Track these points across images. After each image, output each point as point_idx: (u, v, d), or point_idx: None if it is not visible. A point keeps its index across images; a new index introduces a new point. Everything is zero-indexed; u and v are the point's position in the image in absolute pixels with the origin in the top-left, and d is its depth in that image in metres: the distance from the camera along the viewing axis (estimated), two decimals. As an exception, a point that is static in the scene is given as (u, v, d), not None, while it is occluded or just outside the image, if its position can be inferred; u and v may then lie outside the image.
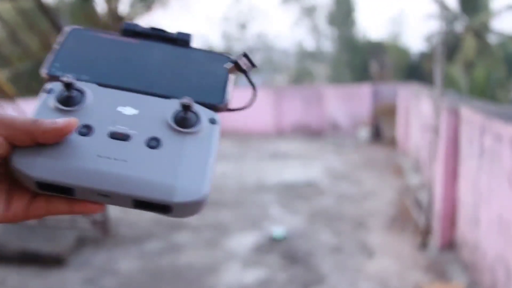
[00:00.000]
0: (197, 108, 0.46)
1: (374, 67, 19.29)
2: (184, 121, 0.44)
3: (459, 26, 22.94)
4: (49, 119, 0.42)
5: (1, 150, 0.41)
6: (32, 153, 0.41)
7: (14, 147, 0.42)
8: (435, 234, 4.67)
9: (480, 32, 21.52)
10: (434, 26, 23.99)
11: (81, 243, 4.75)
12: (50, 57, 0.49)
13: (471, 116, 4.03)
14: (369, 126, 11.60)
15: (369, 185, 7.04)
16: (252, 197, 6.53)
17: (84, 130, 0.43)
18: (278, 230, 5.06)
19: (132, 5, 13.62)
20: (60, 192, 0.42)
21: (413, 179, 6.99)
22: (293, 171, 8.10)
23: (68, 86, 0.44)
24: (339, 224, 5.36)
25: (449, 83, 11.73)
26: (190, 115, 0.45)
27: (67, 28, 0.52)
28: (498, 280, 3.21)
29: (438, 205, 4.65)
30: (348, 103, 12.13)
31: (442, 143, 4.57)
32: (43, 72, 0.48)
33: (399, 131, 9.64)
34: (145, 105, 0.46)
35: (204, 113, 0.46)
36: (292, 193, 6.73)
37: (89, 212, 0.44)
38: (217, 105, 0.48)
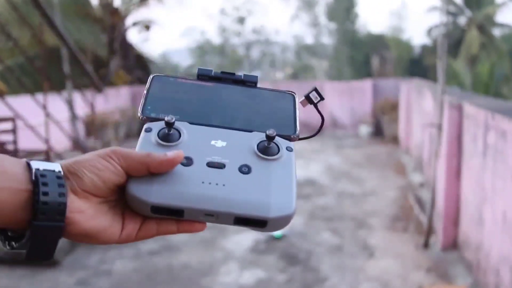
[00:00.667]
0: (277, 138, 0.54)
1: (375, 62, 19.17)
2: (267, 150, 0.53)
3: (462, 20, 22.81)
4: (160, 153, 0.49)
5: (122, 178, 0.49)
6: (146, 182, 0.49)
7: (130, 177, 0.49)
8: (437, 233, 4.58)
9: (484, 25, 21.40)
10: (436, 19, 23.87)
11: (75, 243, 4.66)
12: (141, 102, 0.57)
13: (475, 112, 3.93)
14: (370, 123, 11.49)
15: (370, 184, 6.94)
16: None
17: (186, 162, 0.51)
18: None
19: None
20: (171, 214, 0.49)
21: (415, 177, 6.89)
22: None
23: (170, 125, 0.52)
24: (340, 224, 5.26)
25: (452, 78, 11.62)
26: (272, 144, 0.53)
27: (150, 76, 0.60)
28: (502, 280, 3.12)
29: (440, 204, 4.56)
30: (348, 99, 12.03)
31: (445, 140, 4.47)
32: (139, 115, 0.56)
33: (401, 128, 9.54)
34: (232, 138, 0.54)
35: (282, 142, 0.55)
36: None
37: (194, 231, 0.51)
38: (291, 136, 0.57)
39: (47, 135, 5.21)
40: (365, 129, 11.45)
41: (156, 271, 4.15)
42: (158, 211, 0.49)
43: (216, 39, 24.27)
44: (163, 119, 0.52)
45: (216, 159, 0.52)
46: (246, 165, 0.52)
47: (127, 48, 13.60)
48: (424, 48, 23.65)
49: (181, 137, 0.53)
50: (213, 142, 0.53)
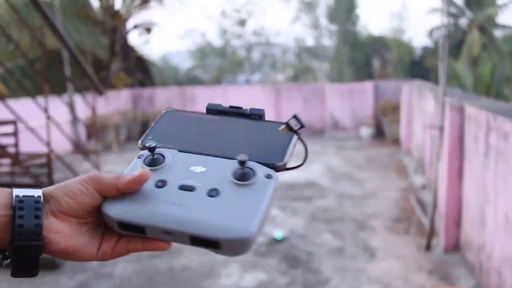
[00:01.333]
0: (254, 165, 0.56)
1: (376, 63, 19.15)
2: (242, 176, 0.55)
3: (463, 21, 22.79)
4: (128, 174, 0.54)
5: (97, 201, 0.54)
6: (117, 201, 0.54)
7: (105, 198, 0.54)
8: (439, 235, 4.56)
9: (486, 26, 21.38)
10: (437, 20, 23.85)
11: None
12: (145, 133, 0.63)
13: (476, 114, 3.92)
14: (371, 125, 11.48)
15: (371, 185, 6.93)
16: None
17: (159, 184, 0.55)
18: (278, 232, 4.95)
19: (127, 2, 13.52)
20: (135, 231, 0.53)
21: (417, 179, 6.88)
22: (293, 171, 7.99)
23: (151, 150, 0.57)
24: (341, 225, 5.25)
25: (454, 80, 11.60)
26: (247, 170, 0.55)
27: (162, 111, 0.66)
28: (505, 282, 3.10)
29: (442, 206, 4.54)
30: (349, 101, 12.01)
31: (447, 142, 4.45)
32: (139, 144, 0.61)
33: (402, 130, 9.53)
34: (213, 164, 0.57)
35: (261, 169, 0.56)
36: (292, 193, 6.62)
37: (158, 249, 0.55)
38: (276, 165, 0.58)
39: (48, 138, 5.21)
40: (366, 131, 11.43)
41: (157, 273, 4.14)
42: (124, 227, 0.54)
43: (216, 41, 24.27)
44: (148, 146, 0.58)
45: (189, 182, 0.55)
46: (215, 189, 0.55)
47: (127, 51, 13.61)
48: (425, 49, 23.64)
49: (164, 162, 0.58)
50: (192, 168, 0.57)
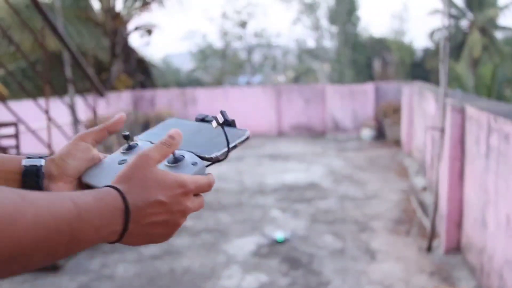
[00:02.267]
0: (187, 155, 0.70)
1: (377, 65, 19.15)
2: (172, 160, 0.69)
3: (464, 22, 22.78)
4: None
5: (91, 155, 0.72)
6: (90, 170, 0.72)
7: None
8: (440, 237, 4.55)
9: (486, 28, 21.37)
10: (438, 22, 23.84)
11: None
12: (146, 131, 0.80)
13: (477, 115, 3.92)
14: (372, 126, 11.47)
15: (372, 187, 6.92)
16: (252, 199, 6.42)
17: (122, 162, 0.71)
18: (279, 233, 4.95)
19: (128, 3, 13.53)
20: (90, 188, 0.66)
21: (418, 181, 6.87)
22: (294, 173, 7.99)
23: (125, 138, 0.73)
24: (342, 227, 5.24)
25: (455, 81, 11.59)
26: (178, 156, 0.69)
27: (167, 118, 0.82)
28: (506, 284, 3.10)
29: (443, 207, 4.54)
30: (350, 103, 12.01)
31: (447, 143, 4.45)
32: (124, 134, 0.75)
33: (403, 131, 9.52)
34: None
35: (190, 158, 0.70)
36: (293, 195, 6.62)
37: None
38: (204, 157, 0.71)
39: (49, 139, 5.21)
40: (367, 132, 11.43)
41: (158, 275, 4.14)
42: (88, 187, 0.68)
43: (217, 43, 24.27)
44: (123, 134, 0.74)
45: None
46: None
47: (128, 52, 13.62)
48: (426, 51, 23.63)
49: (135, 149, 0.74)
50: None
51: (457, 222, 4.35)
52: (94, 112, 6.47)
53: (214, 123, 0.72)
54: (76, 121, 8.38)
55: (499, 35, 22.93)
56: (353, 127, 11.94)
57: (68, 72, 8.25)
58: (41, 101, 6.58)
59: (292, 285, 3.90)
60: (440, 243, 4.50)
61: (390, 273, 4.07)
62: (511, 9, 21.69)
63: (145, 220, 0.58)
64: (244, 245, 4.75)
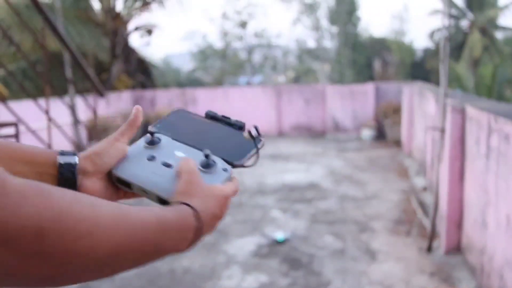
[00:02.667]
0: (218, 160, 0.74)
1: (377, 65, 19.15)
2: (205, 165, 0.73)
3: (465, 23, 22.77)
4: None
5: (123, 153, 0.75)
6: (120, 164, 0.74)
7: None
8: (441, 237, 4.55)
9: (487, 28, 21.37)
10: (438, 22, 23.84)
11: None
12: (158, 121, 0.82)
13: (478, 116, 3.91)
14: (373, 126, 11.47)
15: (372, 187, 6.92)
16: (252, 199, 6.42)
17: (150, 157, 0.75)
18: (279, 233, 4.95)
19: (129, 4, 13.52)
20: (125, 186, 0.73)
21: (418, 181, 6.87)
22: (295, 173, 7.99)
23: (151, 134, 0.77)
24: (342, 227, 5.24)
25: (455, 81, 11.59)
26: (210, 162, 0.73)
27: (174, 109, 0.85)
28: (506, 285, 3.10)
29: (443, 208, 4.54)
30: (350, 103, 12.01)
31: (448, 143, 4.45)
32: (149, 129, 0.79)
33: (404, 131, 9.52)
34: (190, 153, 0.76)
35: (221, 163, 0.74)
36: (293, 195, 6.62)
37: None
38: (234, 163, 0.75)
39: (49, 139, 5.21)
40: (367, 133, 11.42)
41: (158, 275, 4.13)
42: (119, 182, 0.73)
43: (217, 43, 24.27)
44: (149, 130, 0.78)
45: (169, 161, 0.74)
46: None
47: (129, 53, 13.61)
48: (427, 51, 23.62)
49: (159, 144, 0.77)
50: (176, 152, 0.76)
51: (457, 223, 4.35)
52: (94, 112, 6.47)
53: (246, 135, 0.77)
54: (76, 121, 8.38)
55: (499, 35, 22.93)
56: (353, 127, 11.94)
57: (68, 72, 8.25)
58: (41, 101, 6.58)
59: (292, 286, 3.90)
60: (440, 244, 4.50)
61: (390, 273, 4.07)
62: (511, 9, 21.68)
63: (206, 228, 0.66)
64: (244, 245, 4.75)
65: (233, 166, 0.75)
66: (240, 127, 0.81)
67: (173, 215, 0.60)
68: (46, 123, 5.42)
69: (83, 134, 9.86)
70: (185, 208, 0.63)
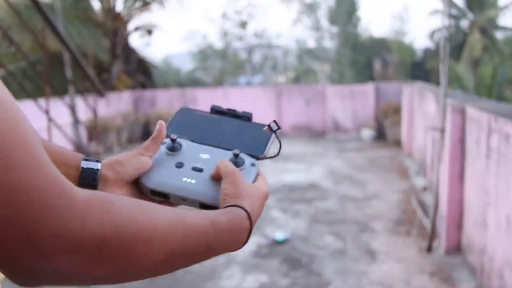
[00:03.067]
0: (244, 156, 0.76)
1: (377, 65, 19.16)
2: (235, 163, 0.73)
3: (465, 23, 22.77)
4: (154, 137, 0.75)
5: (145, 166, 0.74)
6: (149, 175, 0.74)
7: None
8: (441, 237, 4.55)
9: (487, 28, 21.36)
10: (439, 22, 23.83)
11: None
12: (167, 124, 0.80)
13: (478, 116, 3.91)
14: (373, 127, 11.47)
15: (373, 187, 6.92)
16: (253, 199, 6.42)
17: (178, 165, 0.75)
18: (280, 233, 4.95)
19: (129, 4, 13.52)
20: (162, 197, 0.73)
21: (418, 181, 6.87)
22: (295, 173, 7.99)
23: (173, 140, 0.77)
24: (342, 227, 5.24)
25: (455, 81, 11.59)
26: (239, 160, 0.74)
27: (179, 108, 0.86)
28: (507, 285, 3.10)
29: (444, 208, 4.54)
30: (351, 103, 12.01)
31: (448, 144, 4.45)
32: (170, 136, 0.78)
33: (404, 132, 9.52)
34: (214, 153, 0.77)
35: (248, 159, 0.76)
36: (293, 195, 6.62)
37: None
38: (258, 156, 0.78)
39: (49, 139, 5.21)
40: (367, 133, 11.42)
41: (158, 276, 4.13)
42: (154, 193, 0.73)
43: (218, 43, 24.27)
44: (170, 137, 0.77)
45: (199, 165, 0.75)
46: None
47: (129, 53, 13.61)
48: (427, 51, 23.63)
49: (181, 149, 0.77)
50: (201, 155, 0.77)
51: (458, 223, 4.35)
52: (95, 113, 6.47)
53: (266, 129, 0.78)
54: (76, 122, 8.38)
55: (499, 35, 22.93)
56: (354, 128, 11.94)
57: (69, 72, 8.25)
58: (42, 101, 6.58)
59: (293, 286, 3.90)
60: (441, 244, 4.50)
61: (391, 273, 4.07)
62: (511, 9, 21.68)
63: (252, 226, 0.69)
64: (244, 246, 4.75)
65: (258, 159, 0.77)
66: (248, 118, 0.82)
67: (227, 218, 0.63)
68: (46, 123, 5.42)
69: (83, 134, 9.85)
70: (239, 210, 0.66)
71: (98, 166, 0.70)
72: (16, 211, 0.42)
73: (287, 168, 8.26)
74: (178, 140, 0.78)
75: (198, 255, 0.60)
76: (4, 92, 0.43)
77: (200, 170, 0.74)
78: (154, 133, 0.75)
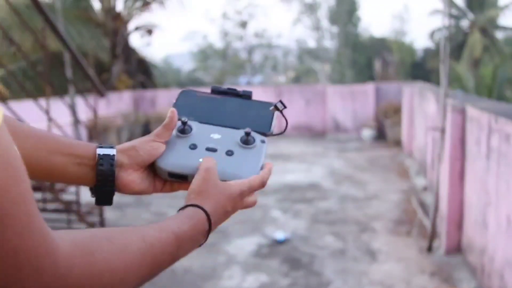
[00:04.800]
0: (254, 134, 0.78)
1: (377, 65, 19.15)
2: (246, 141, 0.77)
3: (465, 23, 22.76)
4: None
5: (159, 151, 0.76)
6: (165, 158, 0.76)
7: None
8: (441, 237, 4.55)
9: (487, 28, 21.36)
10: (439, 22, 23.81)
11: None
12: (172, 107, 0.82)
13: (478, 116, 3.91)
14: (373, 127, 11.47)
15: (373, 187, 6.92)
16: (253, 199, 6.42)
17: (192, 146, 0.77)
18: (280, 233, 4.95)
19: (129, 4, 13.53)
20: (180, 178, 0.75)
21: (419, 181, 6.87)
22: (295, 173, 7.99)
23: (184, 123, 0.78)
24: (343, 227, 5.24)
25: (455, 81, 11.58)
26: (250, 138, 0.77)
27: (180, 91, 0.87)
28: (507, 285, 3.10)
29: (444, 208, 4.54)
30: (351, 103, 12.01)
31: (448, 144, 4.45)
32: (181, 118, 0.80)
33: (404, 132, 9.52)
34: (225, 133, 0.79)
35: (258, 137, 0.78)
36: (294, 195, 6.62)
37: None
38: (266, 133, 0.80)
39: (49, 139, 5.20)
40: (368, 133, 11.42)
41: (158, 275, 4.13)
42: (172, 176, 0.75)
43: (218, 43, 24.27)
44: (181, 119, 0.79)
45: (212, 146, 0.77)
46: (230, 150, 0.77)
47: (129, 53, 13.61)
48: (427, 51, 23.62)
49: (192, 131, 0.79)
50: (212, 135, 0.79)
51: (458, 223, 4.35)
52: (95, 112, 6.46)
53: (273, 109, 0.80)
54: (76, 121, 8.38)
55: (499, 35, 22.93)
56: (354, 128, 11.94)
57: (69, 72, 8.25)
58: (42, 101, 6.58)
59: (293, 286, 3.89)
60: (441, 244, 4.50)
61: (391, 273, 4.07)
62: (511, 9, 21.68)
63: (214, 226, 0.71)
64: (244, 246, 4.75)
65: (265, 135, 0.80)
66: (249, 96, 0.84)
67: (188, 227, 0.65)
68: (47, 123, 5.42)
69: (83, 134, 9.86)
70: (198, 212, 0.67)
71: (113, 152, 0.73)
72: (3, 275, 0.42)
73: (287, 168, 8.26)
74: (188, 122, 0.80)
75: (162, 269, 0.63)
76: (7, 146, 0.41)
77: (214, 150, 0.76)
78: (166, 120, 0.77)
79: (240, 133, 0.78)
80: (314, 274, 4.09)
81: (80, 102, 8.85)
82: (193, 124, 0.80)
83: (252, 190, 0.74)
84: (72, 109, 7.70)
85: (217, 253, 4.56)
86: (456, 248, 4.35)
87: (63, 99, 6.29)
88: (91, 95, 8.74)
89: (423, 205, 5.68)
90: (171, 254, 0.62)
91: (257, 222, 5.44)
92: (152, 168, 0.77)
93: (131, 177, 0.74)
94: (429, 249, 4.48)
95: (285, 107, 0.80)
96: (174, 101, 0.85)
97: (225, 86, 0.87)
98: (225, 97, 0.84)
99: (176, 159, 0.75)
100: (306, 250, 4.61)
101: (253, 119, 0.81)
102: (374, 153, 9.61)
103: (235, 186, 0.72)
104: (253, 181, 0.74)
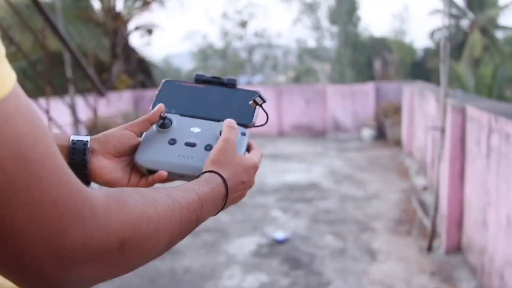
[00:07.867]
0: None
1: (377, 65, 19.15)
2: None
3: (465, 22, 22.76)
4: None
5: (134, 141, 0.78)
6: (143, 154, 0.76)
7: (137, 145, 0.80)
8: (441, 237, 4.55)
9: (487, 28, 21.36)
10: (439, 22, 23.80)
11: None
12: (154, 99, 0.83)
13: (478, 115, 3.91)
14: (373, 126, 11.47)
15: (373, 187, 6.92)
16: (252, 199, 6.42)
17: (171, 141, 0.77)
18: (280, 233, 4.95)
19: (129, 3, 13.53)
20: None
21: (419, 181, 6.87)
22: (295, 173, 7.99)
23: (163, 118, 0.77)
24: (343, 227, 5.24)
25: (455, 81, 11.58)
26: None
27: (162, 80, 0.86)
28: (507, 285, 3.10)
29: (444, 207, 4.54)
30: (351, 103, 12.01)
31: (448, 143, 4.45)
32: (150, 108, 0.80)
33: (404, 131, 9.52)
34: (205, 126, 0.79)
35: (239, 130, 0.76)
36: (294, 195, 6.62)
37: (168, 182, 0.78)
38: (247, 124, 0.80)
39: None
40: (367, 132, 11.42)
41: (158, 275, 4.13)
42: (151, 172, 0.75)
43: (218, 43, 24.27)
44: (161, 115, 0.77)
45: (191, 140, 0.77)
46: (209, 145, 0.76)
47: (129, 52, 13.62)
48: (427, 51, 23.62)
49: (172, 125, 0.78)
50: (192, 129, 0.79)
51: (458, 222, 4.35)
52: (95, 112, 6.47)
53: (252, 103, 0.79)
54: (76, 121, 8.37)
55: (499, 35, 22.93)
56: (354, 127, 11.94)
57: (69, 72, 8.25)
58: (42, 101, 6.58)
59: (293, 285, 3.89)
60: (441, 243, 4.50)
61: (391, 273, 4.07)
62: (512, 9, 21.68)
63: (232, 195, 0.72)
64: (244, 245, 4.75)
65: (246, 127, 0.79)
66: (233, 85, 0.84)
67: (209, 189, 0.66)
68: (47, 123, 5.42)
69: (83, 133, 9.85)
70: (216, 177, 0.69)
71: (87, 138, 0.74)
72: (46, 227, 0.42)
73: (287, 168, 8.26)
74: (168, 116, 0.79)
75: (189, 230, 0.63)
76: (29, 103, 0.43)
77: (193, 145, 0.76)
78: (148, 115, 0.77)
79: (221, 126, 0.77)
80: (314, 273, 4.09)
81: (80, 101, 8.85)
82: (174, 118, 0.80)
83: (258, 166, 0.77)
84: (72, 108, 7.70)
85: (217, 253, 4.56)
86: (456, 248, 4.35)
87: (63, 98, 6.29)
88: (91, 94, 8.75)
89: (423, 204, 5.68)
90: (196, 213, 0.63)
91: (257, 222, 5.44)
92: (131, 161, 0.77)
93: (102, 163, 0.74)
94: (429, 248, 4.48)
95: (264, 101, 0.80)
96: (157, 92, 0.84)
97: (210, 74, 0.87)
98: (209, 86, 0.84)
99: (154, 156, 0.75)
100: (306, 250, 4.61)
101: (235, 110, 0.81)
102: (374, 153, 9.61)
103: (249, 160, 0.75)
104: (258, 153, 0.78)
